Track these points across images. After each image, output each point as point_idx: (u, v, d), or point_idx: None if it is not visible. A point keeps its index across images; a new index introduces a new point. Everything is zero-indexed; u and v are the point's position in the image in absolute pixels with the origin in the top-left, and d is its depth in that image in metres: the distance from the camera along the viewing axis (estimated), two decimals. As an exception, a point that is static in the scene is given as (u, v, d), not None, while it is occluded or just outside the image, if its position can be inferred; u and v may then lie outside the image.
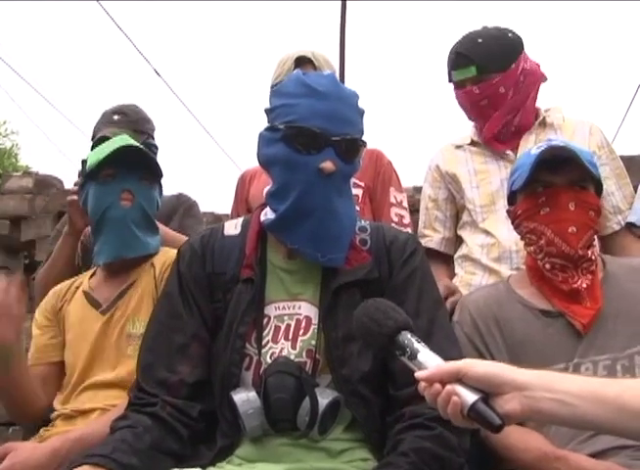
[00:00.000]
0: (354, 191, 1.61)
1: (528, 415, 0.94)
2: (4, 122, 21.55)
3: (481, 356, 1.40)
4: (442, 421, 1.03)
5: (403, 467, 1.12)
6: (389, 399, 1.26)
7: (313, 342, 1.27)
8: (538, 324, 1.43)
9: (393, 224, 1.99)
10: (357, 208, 1.87)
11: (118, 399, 1.52)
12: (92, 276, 1.78)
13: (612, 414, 0.90)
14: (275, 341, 1.28)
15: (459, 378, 0.95)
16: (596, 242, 1.63)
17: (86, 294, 1.72)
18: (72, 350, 1.67)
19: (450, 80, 2.00)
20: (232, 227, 1.41)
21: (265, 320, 1.30)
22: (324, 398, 1.21)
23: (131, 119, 2.21)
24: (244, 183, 2.24)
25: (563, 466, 1.24)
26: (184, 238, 1.85)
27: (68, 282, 1.80)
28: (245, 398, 1.22)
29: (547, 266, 1.44)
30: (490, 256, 1.87)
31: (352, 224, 1.36)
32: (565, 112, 2.03)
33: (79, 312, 1.70)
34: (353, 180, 1.50)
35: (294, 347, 1.27)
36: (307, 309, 1.30)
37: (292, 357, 1.26)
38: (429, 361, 0.99)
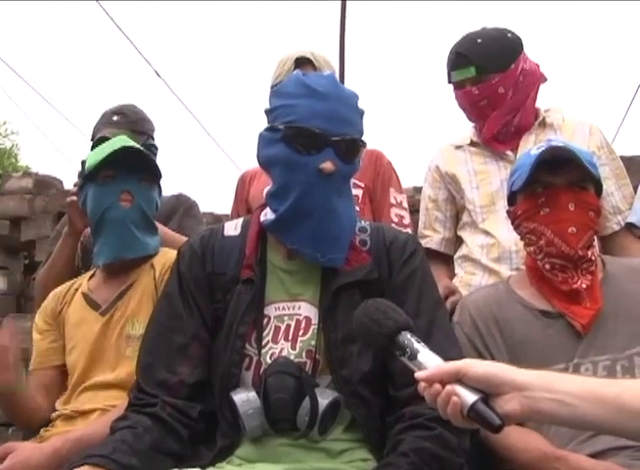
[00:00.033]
0: (354, 191, 1.61)
1: (528, 415, 0.94)
2: (4, 123, 21.57)
3: (481, 357, 1.40)
4: (442, 421, 1.03)
5: (403, 467, 1.12)
6: (389, 399, 1.26)
7: (313, 342, 1.27)
8: (538, 325, 1.43)
9: (393, 225, 1.99)
10: (357, 208, 1.88)
11: (118, 400, 1.52)
12: (91, 278, 1.78)
13: (611, 414, 0.90)
14: (275, 341, 1.28)
15: (459, 378, 0.95)
16: (596, 242, 1.63)
17: (85, 296, 1.72)
18: (73, 351, 1.67)
19: (450, 81, 2.00)
20: (232, 228, 1.41)
21: (265, 321, 1.30)
22: (324, 398, 1.21)
23: (131, 120, 2.21)
24: (244, 184, 2.24)
25: (562, 466, 1.24)
26: (183, 238, 1.85)
27: (67, 284, 1.80)
28: (245, 398, 1.22)
29: (547, 267, 1.44)
30: (490, 256, 1.87)
31: (352, 225, 1.36)
32: (564, 112, 2.03)
33: (79, 314, 1.70)
34: (353, 181, 1.50)
35: (293, 347, 1.27)
36: (307, 310, 1.30)
37: (291, 358, 1.26)
38: (429, 362, 0.99)
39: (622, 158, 2.03)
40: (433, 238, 2.06)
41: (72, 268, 2.04)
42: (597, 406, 0.90)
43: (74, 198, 1.87)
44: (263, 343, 1.28)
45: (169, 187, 3.43)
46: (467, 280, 1.90)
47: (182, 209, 2.34)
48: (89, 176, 1.70)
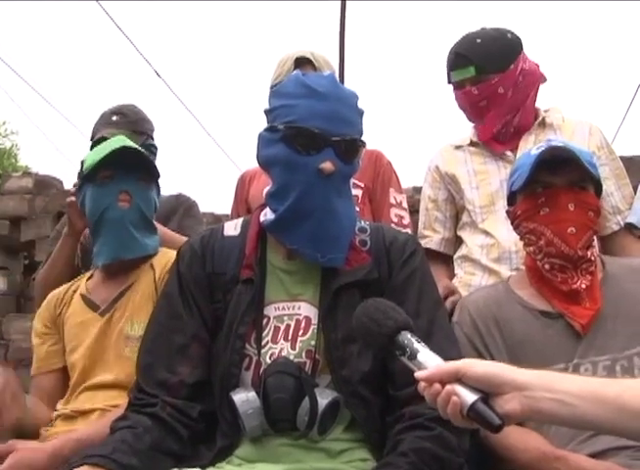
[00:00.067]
0: (354, 192, 1.61)
1: (528, 415, 0.94)
2: (4, 123, 21.60)
3: (481, 357, 1.40)
4: (442, 421, 1.03)
5: (403, 467, 1.12)
6: (389, 399, 1.26)
7: (313, 342, 1.27)
8: (538, 325, 1.43)
9: (393, 225, 1.99)
10: (357, 208, 1.88)
11: (118, 400, 1.52)
12: (89, 279, 1.78)
13: (612, 414, 0.90)
14: (275, 341, 1.28)
15: (459, 378, 0.95)
16: (595, 242, 1.63)
17: (83, 297, 1.72)
18: (73, 352, 1.67)
19: (449, 81, 2.00)
20: (232, 228, 1.41)
21: (265, 321, 1.30)
22: (323, 398, 1.21)
23: (130, 120, 2.21)
24: (243, 184, 2.24)
25: (562, 466, 1.24)
26: (183, 238, 1.85)
27: (65, 286, 1.80)
28: (244, 398, 1.22)
29: (546, 267, 1.44)
30: (490, 256, 1.87)
31: (352, 225, 1.36)
32: (564, 112, 2.03)
33: (78, 316, 1.70)
34: (353, 181, 1.50)
35: (293, 347, 1.27)
36: (307, 310, 1.30)
37: (291, 358, 1.26)
38: (428, 361, 0.99)
39: (622, 158, 2.03)
40: (432, 238, 2.06)
41: (72, 268, 2.04)
42: (597, 406, 0.90)
43: (73, 198, 1.87)
44: (263, 343, 1.28)
45: (169, 187, 3.43)
46: (466, 280, 1.90)
47: (182, 209, 2.34)
48: (87, 177, 1.70)
